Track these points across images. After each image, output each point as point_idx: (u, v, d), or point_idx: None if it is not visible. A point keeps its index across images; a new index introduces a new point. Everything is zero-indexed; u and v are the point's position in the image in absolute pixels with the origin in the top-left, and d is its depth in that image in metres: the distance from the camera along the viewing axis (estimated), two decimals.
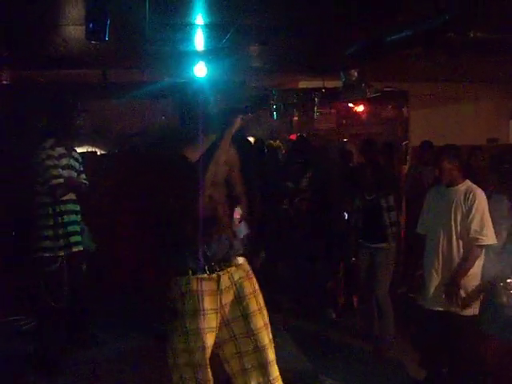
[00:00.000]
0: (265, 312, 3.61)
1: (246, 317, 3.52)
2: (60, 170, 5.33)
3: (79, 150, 8.45)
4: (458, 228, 4.91)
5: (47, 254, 5.36)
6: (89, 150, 9.18)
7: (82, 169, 5.71)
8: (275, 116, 11.35)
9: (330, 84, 10.28)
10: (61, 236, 5.38)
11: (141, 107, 9.36)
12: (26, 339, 5.96)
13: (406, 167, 10.41)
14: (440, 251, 5.00)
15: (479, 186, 4.97)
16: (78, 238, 5.58)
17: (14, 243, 6.76)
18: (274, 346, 3.62)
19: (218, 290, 3.46)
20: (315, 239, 7.11)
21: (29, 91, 8.34)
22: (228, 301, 3.51)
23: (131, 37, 6.46)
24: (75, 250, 5.52)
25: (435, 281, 5.00)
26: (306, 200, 7.05)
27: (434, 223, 5.12)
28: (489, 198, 5.10)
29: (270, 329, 3.61)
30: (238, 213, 3.61)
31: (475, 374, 4.80)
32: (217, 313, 3.45)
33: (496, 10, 5.15)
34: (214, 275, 3.46)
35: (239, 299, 3.53)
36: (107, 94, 9.18)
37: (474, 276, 4.89)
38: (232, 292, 3.52)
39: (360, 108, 13.09)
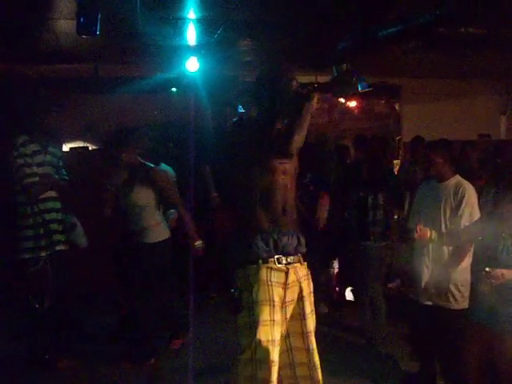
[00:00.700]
0: (314, 316, 3.64)
1: (302, 317, 3.53)
2: (34, 167, 5.16)
3: (71, 145, 8.49)
4: (448, 223, 4.92)
5: (28, 256, 5.23)
6: (80, 145, 9.16)
7: (61, 164, 5.55)
8: None
9: (323, 79, 10.28)
10: (42, 236, 5.24)
11: (134, 102, 9.31)
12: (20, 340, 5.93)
13: (397, 162, 10.44)
14: (430, 246, 5.02)
15: (470, 182, 4.98)
16: (60, 237, 5.43)
17: None
18: None
19: (286, 284, 3.43)
20: (309, 233, 7.10)
21: (19, 86, 8.29)
22: (290, 298, 3.48)
23: (123, 31, 6.43)
24: (58, 249, 5.39)
25: (426, 275, 5.02)
26: (306, 195, 7.04)
27: (425, 218, 5.13)
28: (480, 193, 5.12)
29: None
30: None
31: (467, 367, 4.84)
32: (281, 307, 3.42)
33: (487, 6, 5.16)
34: (284, 267, 3.44)
35: (300, 298, 3.52)
36: (99, 89, 9.16)
37: (464, 270, 4.90)
38: (296, 289, 3.50)
39: (352, 103, 13.09)
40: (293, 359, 3.55)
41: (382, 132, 13.26)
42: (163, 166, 5.90)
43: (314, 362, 3.60)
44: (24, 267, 5.28)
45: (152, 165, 5.58)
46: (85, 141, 9.47)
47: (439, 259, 4.97)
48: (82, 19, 4.64)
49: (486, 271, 3.52)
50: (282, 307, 3.42)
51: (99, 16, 4.68)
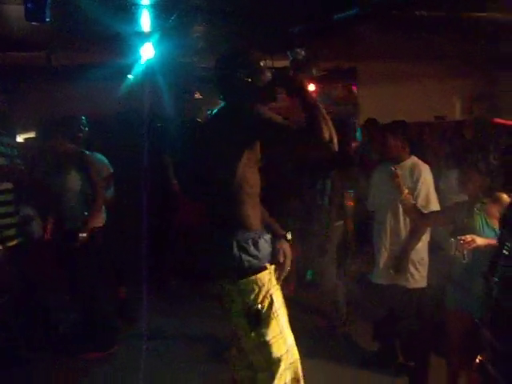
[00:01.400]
0: None
1: None
2: None
3: (25, 136, 8.33)
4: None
5: None
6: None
7: (15, 153, 5.39)
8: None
9: (280, 64, 10.27)
10: None
11: (89, 90, 9.17)
12: None
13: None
14: (388, 227, 5.09)
15: (428, 163, 5.03)
16: (12, 232, 5.26)
17: None
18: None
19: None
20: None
21: None
22: None
23: (75, 17, 6.31)
24: (11, 243, 5.21)
25: (384, 256, 5.08)
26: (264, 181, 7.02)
27: (382, 199, 5.18)
28: (439, 173, 5.18)
29: None
30: None
31: (425, 345, 4.92)
32: None
33: None
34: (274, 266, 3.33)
35: None
36: (52, 77, 8.99)
37: (421, 250, 4.99)
38: None
39: (311, 87, 13.08)
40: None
41: (341, 116, 13.33)
42: (97, 156, 5.89)
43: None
44: None
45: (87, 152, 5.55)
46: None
47: (397, 239, 5.02)
48: (29, 5, 4.50)
49: (458, 238, 3.58)
50: None
51: (48, 1, 4.55)
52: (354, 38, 7.59)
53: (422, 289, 4.90)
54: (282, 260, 3.37)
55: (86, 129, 5.81)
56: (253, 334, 3.11)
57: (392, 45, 8.76)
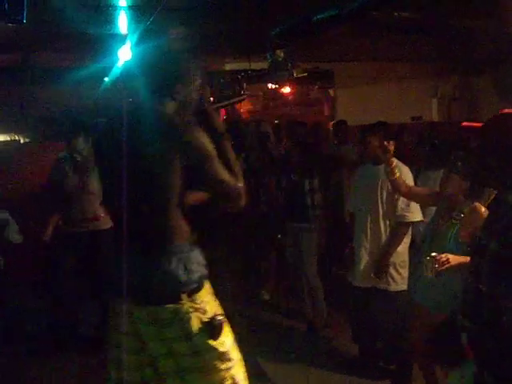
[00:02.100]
0: None
1: None
2: None
3: (1, 138, 8.25)
4: (385, 206, 4.98)
5: None
6: (12, 138, 8.91)
7: None
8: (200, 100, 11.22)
9: (257, 66, 10.26)
10: None
11: (64, 92, 9.10)
12: None
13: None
14: (368, 229, 5.08)
15: (406, 164, 5.03)
16: None
17: None
18: None
19: None
20: (247, 220, 7.10)
21: None
22: None
23: (51, 19, 6.24)
24: None
25: (364, 258, 5.07)
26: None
27: (362, 201, 5.19)
28: (417, 175, 5.19)
29: None
30: None
31: (407, 348, 4.92)
32: None
33: None
34: None
35: None
36: (28, 80, 8.89)
37: (402, 252, 4.99)
38: None
39: (286, 90, 13.13)
40: None
41: (317, 117, 13.40)
42: None
43: None
44: None
45: None
46: (16, 133, 9.23)
47: (377, 241, 5.02)
48: (6, 6, 4.42)
49: (431, 256, 3.52)
50: None
51: (25, 2, 4.47)
52: (331, 39, 7.58)
53: (403, 291, 4.89)
54: None
55: None
56: (213, 344, 2.80)
57: (368, 46, 8.79)
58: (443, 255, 3.49)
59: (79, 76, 8.61)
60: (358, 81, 11.00)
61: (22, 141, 9.06)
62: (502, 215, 2.43)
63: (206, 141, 2.74)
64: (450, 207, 4.06)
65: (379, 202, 4.99)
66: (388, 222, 5.00)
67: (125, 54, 7.78)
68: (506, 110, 2.47)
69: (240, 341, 2.95)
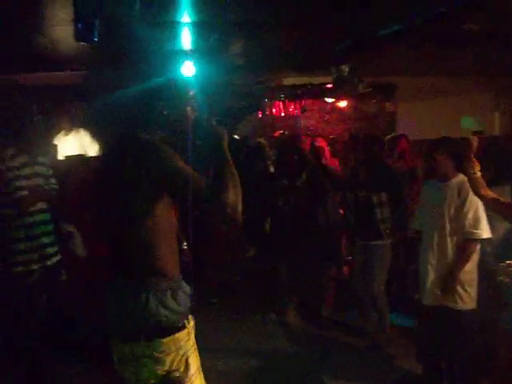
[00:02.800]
0: None
1: None
2: (23, 180, 5.03)
3: (67, 153, 8.39)
4: (453, 223, 4.89)
5: (21, 269, 5.07)
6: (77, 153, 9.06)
7: (50, 173, 5.40)
8: (260, 113, 11.33)
9: (317, 80, 10.26)
10: (33, 249, 5.08)
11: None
12: None
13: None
14: (435, 246, 4.99)
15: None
16: (51, 250, 5.25)
17: None
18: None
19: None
20: (310, 236, 7.07)
21: (5, 97, 8.17)
22: None
23: (118, 37, 6.35)
24: (49, 263, 5.19)
25: (431, 276, 4.99)
26: (303, 198, 7.01)
27: (429, 218, 5.11)
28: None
29: None
30: None
31: (474, 369, 4.81)
32: None
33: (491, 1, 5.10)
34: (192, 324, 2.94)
35: None
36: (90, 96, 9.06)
37: (470, 271, 4.88)
38: None
39: (342, 104, 13.10)
40: None
41: (372, 132, 13.31)
42: None
43: None
44: (17, 280, 5.12)
45: None
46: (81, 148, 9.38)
47: (444, 259, 4.93)
48: (79, 26, 4.57)
49: (507, 263, 3.47)
50: None
51: (97, 22, 4.62)
52: (394, 53, 7.52)
53: (471, 310, 4.80)
54: None
55: None
56: None
57: (430, 60, 8.70)
58: None
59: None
60: (419, 95, 10.89)
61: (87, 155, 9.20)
62: None
63: (168, 158, 2.62)
64: None
65: (446, 218, 4.91)
66: (455, 239, 4.91)
67: (187, 70, 7.87)
68: None
69: (302, 356, 2.91)
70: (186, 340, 2.66)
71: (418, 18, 5.35)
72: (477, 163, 4.35)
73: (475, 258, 4.89)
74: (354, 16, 5.58)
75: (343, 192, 6.82)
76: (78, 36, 4.67)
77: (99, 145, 8.25)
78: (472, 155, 4.38)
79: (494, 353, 4.26)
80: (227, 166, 2.67)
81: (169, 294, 2.62)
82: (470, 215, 4.77)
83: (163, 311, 2.57)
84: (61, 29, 5.84)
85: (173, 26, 6.29)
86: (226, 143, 2.77)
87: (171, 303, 2.60)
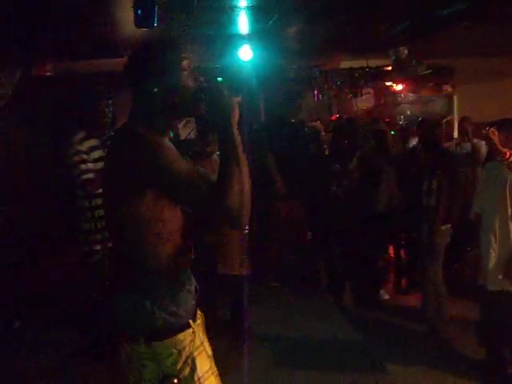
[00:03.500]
0: None
1: None
2: (90, 164, 5.21)
3: None
4: None
5: (86, 248, 5.33)
6: None
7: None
8: (317, 97, 11.28)
9: (374, 63, 10.18)
10: (97, 230, 5.28)
11: None
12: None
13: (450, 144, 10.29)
14: (497, 229, 4.90)
15: None
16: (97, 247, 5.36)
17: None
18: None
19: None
20: (363, 220, 7.05)
21: (71, 83, 8.33)
22: None
23: (175, 22, 6.42)
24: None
25: (493, 260, 4.91)
26: (355, 182, 6.99)
27: (489, 201, 5.02)
28: None
29: None
30: None
31: None
32: None
33: None
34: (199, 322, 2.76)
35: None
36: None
37: None
38: None
39: (399, 87, 12.97)
40: None
41: (430, 115, 13.13)
42: None
43: None
44: (82, 259, 5.40)
45: None
46: None
47: (506, 242, 4.85)
48: (139, 11, 4.66)
49: None
50: None
51: (156, 8, 4.70)
52: (453, 34, 7.39)
53: None
54: None
55: None
56: None
57: (489, 41, 8.53)
58: None
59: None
60: (479, 76, 10.67)
61: None
62: None
63: (162, 157, 2.28)
64: None
65: (508, 201, 4.82)
66: None
67: (246, 54, 7.91)
68: None
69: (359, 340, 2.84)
70: (191, 340, 2.47)
71: None
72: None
73: None
74: None
75: (401, 176, 6.74)
76: (138, 21, 4.76)
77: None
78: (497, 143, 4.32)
79: None
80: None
81: (168, 294, 2.44)
82: None
83: (159, 314, 2.40)
84: (121, 15, 5.93)
85: (231, 11, 6.32)
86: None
87: (169, 305, 2.43)
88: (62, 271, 7.29)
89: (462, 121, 8.53)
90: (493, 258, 4.90)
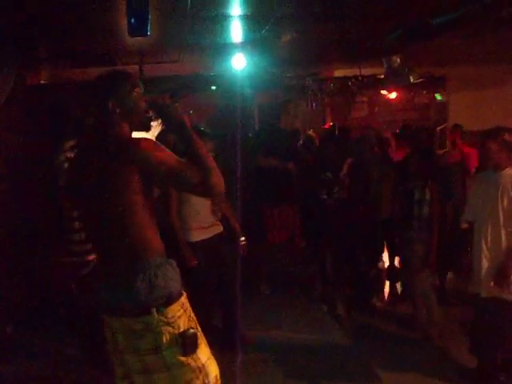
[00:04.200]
0: None
1: None
2: None
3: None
4: (506, 213, 4.82)
5: (76, 259, 5.20)
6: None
7: None
8: (311, 106, 11.32)
9: (367, 71, 10.20)
10: (88, 240, 4.88)
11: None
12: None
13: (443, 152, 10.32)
14: (489, 237, 4.92)
15: None
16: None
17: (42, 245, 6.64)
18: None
19: None
20: (356, 228, 7.08)
21: (65, 91, 8.32)
22: None
23: (169, 30, 6.44)
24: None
25: (485, 267, 4.92)
26: (346, 189, 7.02)
27: (481, 209, 5.03)
28: None
29: None
30: None
31: None
32: None
33: None
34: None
35: None
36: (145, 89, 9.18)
37: None
38: None
39: (392, 95, 13.02)
40: None
41: (423, 123, 13.19)
42: None
43: None
44: (73, 270, 5.28)
45: None
46: None
47: (498, 250, 4.87)
48: (132, 20, 4.66)
49: None
50: None
51: (149, 17, 4.70)
52: (446, 42, 7.42)
53: None
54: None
55: None
56: (184, 359, 2.81)
57: (482, 50, 8.56)
58: None
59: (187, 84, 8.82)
60: (471, 85, 10.71)
61: None
62: None
63: (159, 151, 2.78)
64: None
65: (500, 209, 4.83)
66: (509, 230, 4.84)
67: (238, 63, 7.93)
68: None
69: (352, 348, 2.90)
70: (187, 303, 2.93)
71: (471, 5, 5.26)
72: None
73: None
74: (404, 6, 5.52)
75: (394, 183, 6.77)
76: (131, 30, 4.77)
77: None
78: None
79: None
80: (199, 148, 2.86)
81: (170, 268, 2.88)
82: None
83: (171, 283, 2.84)
84: (114, 23, 5.94)
85: (224, 19, 6.33)
86: (183, 120, 2.90)
87: (173, 274, 2.88)
88: (56, 279, 7.26)
89: (451, 130, 8.55)
90: (485, 265, 4.92)
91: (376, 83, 10.77)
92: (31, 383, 5.30)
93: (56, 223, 5.43)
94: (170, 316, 2.78)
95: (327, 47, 7.98)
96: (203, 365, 2.86)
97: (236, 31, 6.89)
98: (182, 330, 2.80)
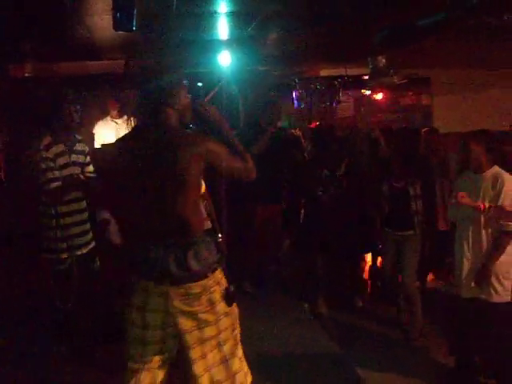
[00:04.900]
0: None
1: None
2: (56, 171, 5.04)
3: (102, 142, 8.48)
4: (487, 215, 4.85)
5: (52, 256, 5.19)
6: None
7: (88, 161, 5.42)
8: (296, 104, 11.31)
9: (352, 71, 10.24)
10: (63, 239, 5.14)
11: None
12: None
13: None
14: (470, 238, 4.95)
15: (510, 172, 4.90)
16: (83, 240, 5.31)
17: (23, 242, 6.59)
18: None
19: None
20: (347, 227, 7.06)
21: (44, 85, 8.24)
22: None
23: (155, 26, 6.41)
24: (79, 253, 5.24)
25: (466, 268, 4.95)
26: (342, 188, 7.01)
27: (463, 210, 5.06)
28: None
29: None
30: None
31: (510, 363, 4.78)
32: None
33: None
34: None
35: None
36: (128, 85, 9.15)
37: (505, 263, 4.82)
38: None
39: (378, 96, 13.05)
40: None
41: (409, 124, 13.22)
42: None
43: None
44: (48, 266, 5.27)
45: None
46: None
47: (479, 251, 4.90)
48: (118, 15, 4.64)
49: None
50: None
51: (135, 12, 4.68)
52: (431, 45, 7.45)
53: (507, 303, 4.76)
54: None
55: None
56: (229, 309, 3.47)
57: (466, 52, 8.61)
58: None
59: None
60: (456, 88, 10.77)
61: None
62: None
63: (218, 144, 3.31)
64: None
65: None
66: (490, 231, 4.87)
67: (224, 60, 7.91)
68: None
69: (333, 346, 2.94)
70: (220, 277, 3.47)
71: (455, 9, 5.29)
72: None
73: (510, 250, 4.85)
74: (390, 8, 5.54)
75: (378, 183, 6.78)
76: (117, 25, 4.75)
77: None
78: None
79: None
80: (236, 141, 3.47)
81: (210, 240, 3.44)
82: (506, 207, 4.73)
83: (213, 253, 3.42)
84: (99, 18, 5.91)
85: (210, 17, 6.32)
86: (225, 123, 3.50)
87: (213, 247, 3.45)
88: (29, 277, 7.18)
89: (428, 132, 8.55)
90: (466, 266, 4.95)
91: (362, 83, 10.81)
92: None
93: (33, 221, 5.38)
94: (219, 277, 3.42)
95: (313, 47, 7.99)
96: (236, 318, 3.59)
97: (222, 28, 6.88)
98: (224, 286, 3.44)
